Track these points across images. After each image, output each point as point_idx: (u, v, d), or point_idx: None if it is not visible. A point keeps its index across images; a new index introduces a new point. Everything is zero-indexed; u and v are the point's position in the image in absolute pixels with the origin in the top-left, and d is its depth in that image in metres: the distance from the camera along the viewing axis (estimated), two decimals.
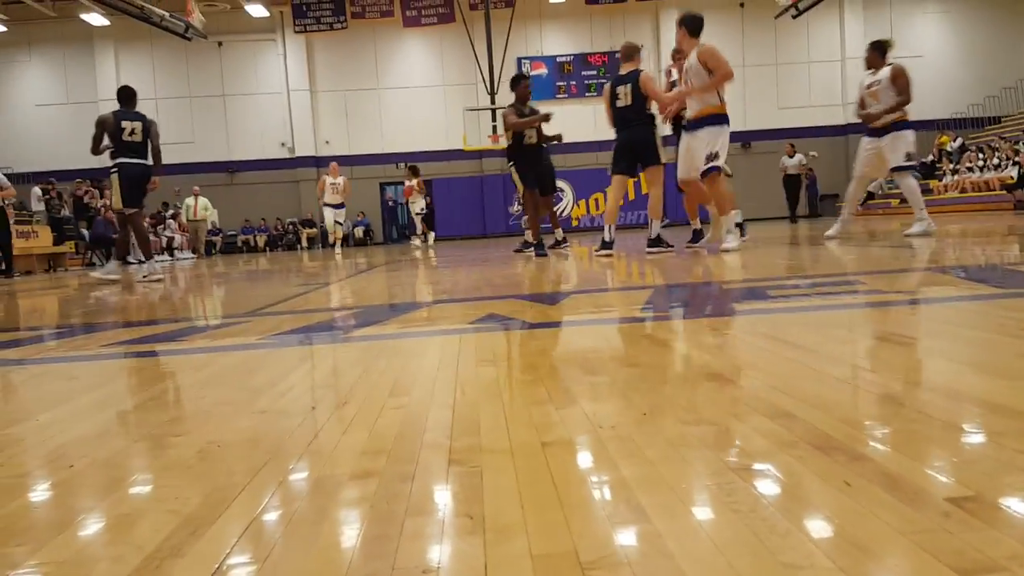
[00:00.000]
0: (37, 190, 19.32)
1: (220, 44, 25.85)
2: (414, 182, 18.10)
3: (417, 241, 19.36)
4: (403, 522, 0.97)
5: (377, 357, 2.36)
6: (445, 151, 25.58)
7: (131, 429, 1.67)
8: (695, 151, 7.01)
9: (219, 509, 1.06)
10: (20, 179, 21.66)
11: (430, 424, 1.45)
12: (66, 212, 19.89)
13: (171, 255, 21.19)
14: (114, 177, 8.60)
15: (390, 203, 27.53)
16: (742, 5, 26.46)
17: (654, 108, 7.45)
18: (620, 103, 7.51)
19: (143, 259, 9.16)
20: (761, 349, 2.12)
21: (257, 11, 24.89)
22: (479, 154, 24.72)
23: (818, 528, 0.90)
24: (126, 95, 8.86)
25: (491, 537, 0.91)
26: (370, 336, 2.92)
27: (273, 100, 26.31)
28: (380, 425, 1.47)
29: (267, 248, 25.36)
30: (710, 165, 6.81)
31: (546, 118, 9.03)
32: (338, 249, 17.37)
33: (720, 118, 6.85)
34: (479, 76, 24.94)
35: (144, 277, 8.45)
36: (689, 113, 7.08)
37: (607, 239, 7.73)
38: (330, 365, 2.41)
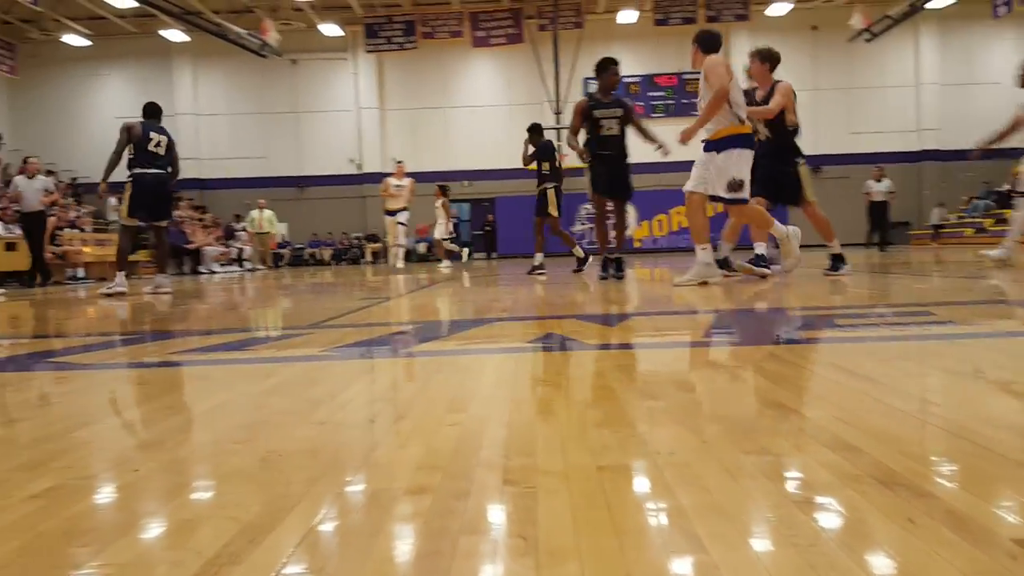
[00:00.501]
0: (113, 200, 19.97)
1: (294, 62, 26.50)
2: (440, 202, 16.53)
3: (444, 263, 16.54)
4: (456, 540, 0.97)
5: (435, 373, 2.37)
6: (508, 170, 25.68)
7: (196, 435, 1.71)
8: (710, 171, 6.41)
9: (277, 518, 1.08)
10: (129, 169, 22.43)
11: (486, 442, 1.46)
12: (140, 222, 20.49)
13: (240, 266, 21.69)
14: (128, 186, 8.61)
15: (454, 220, 27.76)
16: (815, 28, 26.10)
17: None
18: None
19: (114, 275, 9.00)
20: (826, 379, 2.08)
21: (331, 31, 25.47)
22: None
23: (880, 565, 0.87)
24: (153, 110, 9.04)
25: (544, 560, 0.90)
26: (429, 352, 2.94)
27: (343, 117, 26.84)
28: (436, 441, 1.48)
29: (333, 261, 25.79)
30: (735, 196, 6.25)
31: (581, 156, 8.22)
32: (400, 263, 16.05)
33: (737, 140, 6.21)
34: (545, 96, 25.08)
35: (154, 288, 8.58)
36: (704, 134, 6.51)
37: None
38: (389, 379, 2.43)
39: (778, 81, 7.20)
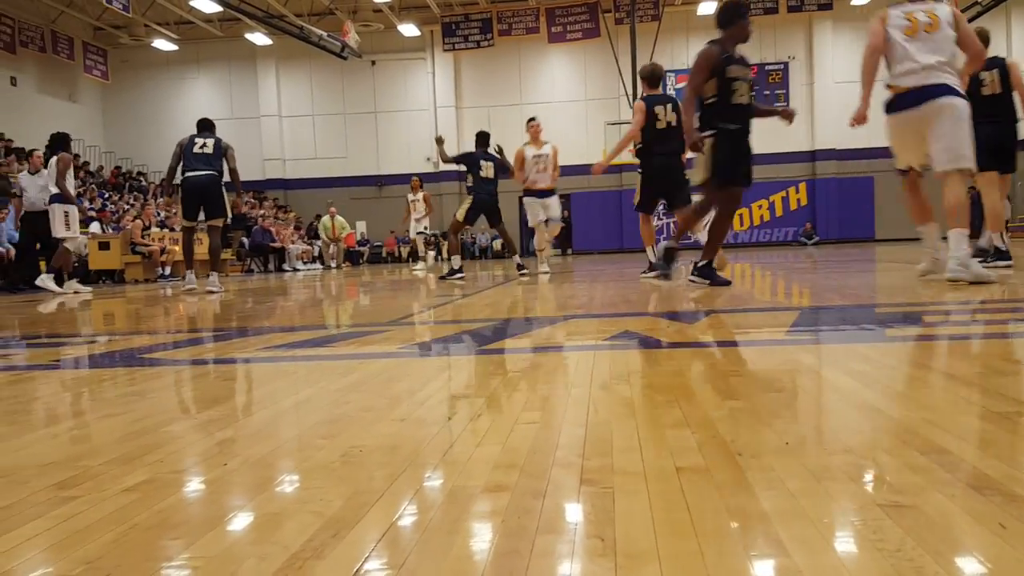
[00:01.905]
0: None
1: (373, 63, 26.94)
2: (420, 195, 15.77)
3: (420, 265, 16.23)
4: (534, 539, 0.97)
5: (512, 370, 2.38)
6: (584, 165, 25.59)
7: (281, 430, 1.76)
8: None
9: (359, 513, 1.10)
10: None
11: (562, 441, 1.45)
12: (227, 221, 21.13)
13: (322, 263, 22.18)
14: (177, 190, 9.23)
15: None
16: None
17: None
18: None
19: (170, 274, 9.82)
20: (914, 378, 2.01)
21: (409, 31, 25.79)
22: (618, 168, 24.61)
23: (969, 572, 0.84)
24: (204, 125, 9.46)
25: (622, 562, 0.90)
26: (505, 349, 2.96)
27: (420, 116, 27.16)
28: (513, 439, 1.48)
29: (410, 259, 26.13)
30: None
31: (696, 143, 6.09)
32: (420, 265, 15.98)
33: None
34: (622, 90, 24.90)
35: (206, 288, 9.01)
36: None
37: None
38: (466, 376, 2.45)
39: (641, 98, 7.87)
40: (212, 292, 8.77)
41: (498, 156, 10.23)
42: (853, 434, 1.46)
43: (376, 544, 0.98)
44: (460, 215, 10.06)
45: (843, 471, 1.20)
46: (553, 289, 6.99)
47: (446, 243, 13.75)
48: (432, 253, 17.08)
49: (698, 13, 25.01)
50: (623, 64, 24.59)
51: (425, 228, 16.25)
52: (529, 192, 9.97)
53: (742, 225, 25.54)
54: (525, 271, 10.09)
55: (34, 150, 12.40)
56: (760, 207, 25.68)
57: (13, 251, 12.41)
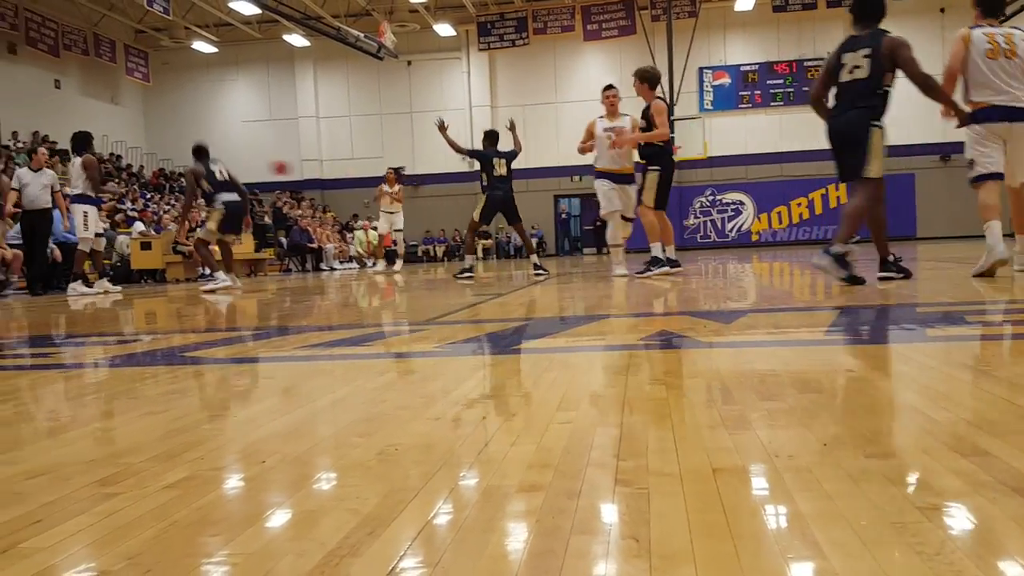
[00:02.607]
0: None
1: (409, 63, 27.08)
2: (395, 189, 15.22)
3: (380, 265, 16.08)
4: (569, 539, 0.97)
5: (546, 370, 2.38)
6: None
7: (318, 428, 1.78)
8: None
9: (395, 511, 1.11)
10: (208, 199, 23.70)
11: (597, 441, 1.45)
12: (267, 220, 21.42)
13: (361, 264, 22.36)
14: (221, 209, 9.83)
15: (563, 215, 27.81)
16: (942, 11, 24.77)
17: None
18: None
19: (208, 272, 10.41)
20: (955, 379, 1.97)
21: (445, 31, 25.89)
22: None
23: None
24: (206, 151, 10.11)
25: (657, 563, 0.89)
26: (540, 348, 2.95)
27: (455, 116, 27.22)
28: (547, 439, 1.48)
29: (445, 258, 26.23)
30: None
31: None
32: (379, 266, 16.03)
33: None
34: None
35: (209, 290, 9.50)
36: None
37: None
38: (500, 376, 2.46)
39: (658, 98, 7.98)
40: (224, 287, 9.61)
41: (510, 151, 10.20)
42: (892, 436, 1.44)
43: (411, 542, 0.99)
44: (476, 215, 10.11)
45: (882, 473, 1.19)
46: (589, 288, 6.97)
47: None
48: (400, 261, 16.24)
49: (736, 9, 24.77)
50: (660, 61, 24.44)
51: (395, 227, 15.56)
52: (603, 175, 8.30)
53: (781, 223, 25.26)
54: (542, 272, 9.99)
55: (38, 146, 12.32)
56: (799, 205, 25.36)
57: (58, 252, 12.60)
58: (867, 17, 5.50)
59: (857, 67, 5.33)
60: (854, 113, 5.36)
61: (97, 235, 10.62)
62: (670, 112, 23.81)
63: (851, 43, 5.46)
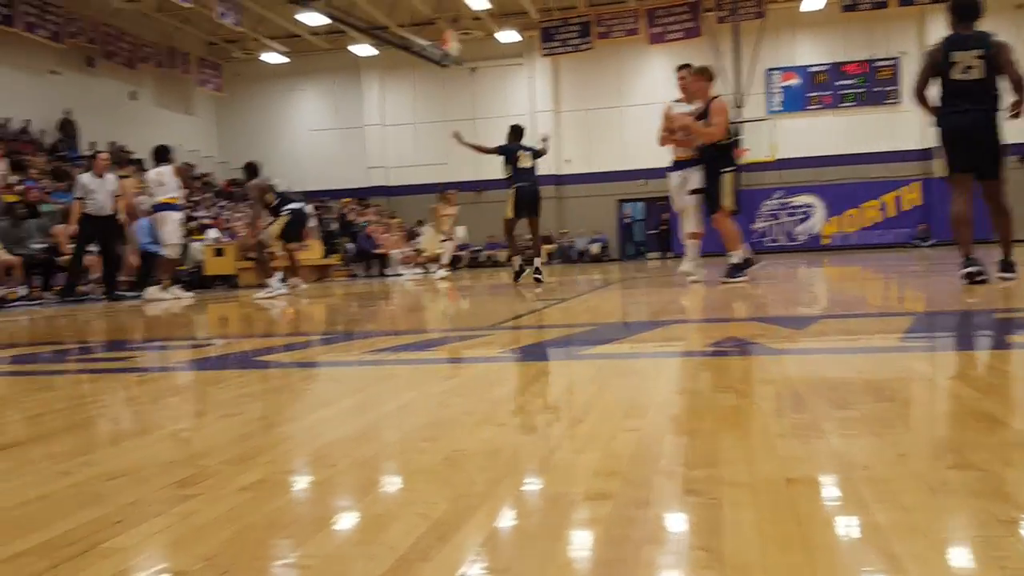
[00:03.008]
0: (310, 207, 21.36)
1: (473, 70, 27.25)
2: (451, 211, 15.89)
3: (443, 272, 15.99)
4: (638, 549, 0.96)
5: (612, 376, 2.36)
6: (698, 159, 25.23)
7: (385, 433, 1.80)
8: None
9: (462, 516, 1.11)
10: (274, 210, 24.29)
11: (665, 450, 1.43)
12: (334, 227, 21.78)
13: (424, 269, 22.59)
14: (287, 215, 10.19)
15: (626, 220, 27.63)
16: (1020, 7, 23.89)
17: None
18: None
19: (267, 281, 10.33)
20: None
21: (508, 37, 25.99)
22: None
23: None
24: (255, 165, 10.72)
25: (728, 573, 0.88)
26: (605, 354, 2.94)
27: (519, 121, 27.31)
28: (614, 446, 1.47)
29: (508, 263, 26.29)
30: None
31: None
32: (442, 272, 16.25)
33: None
34: (725, 89, 24.44)
35: (265, 297, 9.61)
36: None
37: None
38: (565, 382, 2.45)
39: (715, 97, 7.47)
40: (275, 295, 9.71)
41: (537, 148, 10.23)
42: (972, 446, 1.39)
43: (479, 548, 0.99)
44: (508, 211, 9.93)
45: (962, 484, 1.15)
46: (654, 294, 6.91)
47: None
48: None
49: (802, 9, 24.30)
50: (726, 63, 24.13)
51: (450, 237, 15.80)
52: (677, 165, 7.80)
53: (852, 227, 24.66)
54: (539, 279, 9.52)
55: (99, 152, 11.96)
56: (871, 207, 24.73)
57: (137, 258, 13.00)
58: (969, 17, 5.52)
59: (971, 67, 5.32)
60: (981, 114, 5.35)
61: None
62: (737, 114, 23.67)
63: (960, 41, 5.42)
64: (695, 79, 7.63)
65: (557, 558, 0.96)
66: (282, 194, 10.01)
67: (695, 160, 7.54)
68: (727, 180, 7.28)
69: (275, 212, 10.21)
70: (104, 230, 10.88)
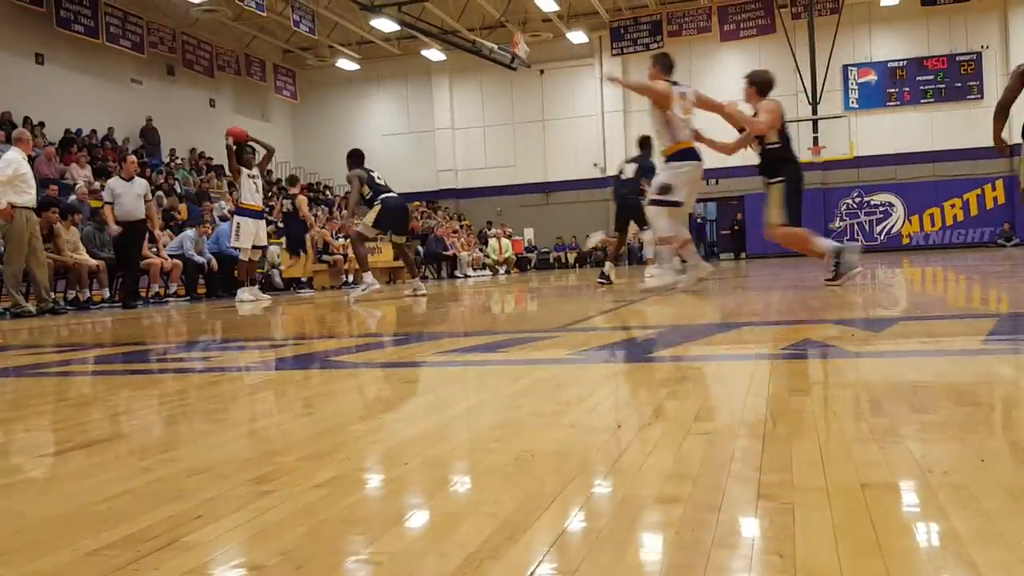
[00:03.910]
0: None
1: (542, 72, 27.28)
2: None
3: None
4: (709, 553, 0.95)
5: (682, 379, 2.34)
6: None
7: (456, 432, 1.81)
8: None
9: (532, 517, 1.12)
10: (368, 203, 24.68)
11: (738, 454, 1.41)
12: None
13: (493, 272, 22.71)
14: (379, 207, 9.63)
15: (699, 220, 27.27)
16: None
17: None
18: None
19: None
20: None
21: (578, 38, 25.94)
22: None
23: None
24: (359, 153, 10.24)
25: None
26: (676, 357, 2.91)
27: (588, 123, 27.22)
28: (685, 450, 1.46)
29: (576, 265, 26.21)
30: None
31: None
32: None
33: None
34: (799, 86, 23.93)
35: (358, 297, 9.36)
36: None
37: None
38: (635, 383, 2.43)
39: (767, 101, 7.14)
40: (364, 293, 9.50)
41: (640, 157, 9.99)
42: None
43: (548, 549, 1.00)
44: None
45: None
46: (726, 295, 6.81)
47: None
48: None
49: (882, 4, 23.62)
50: (801, 59, 23.63)
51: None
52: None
53: (933, 226, 23.88)
54: (603, 281, 9.36)
55: (128, 154, 11.86)
56: (953, 207, 23.90)
57: (216, 262, 13.37)
58: None
59: None
60: None
61: (255, 247, 10.86)
62: (813, 111, 23.08)
63: None
64: (747, 88, 7.39)
65: (627, 560, 0.96)
66: (377, 186, 9.79)
67: (674, 156, 7.26)
68: (775, 192, 6.92)
69: (369, 204, 9.94)
70: (130, 235, 10.79)
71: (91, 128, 18.86)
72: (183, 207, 16.25)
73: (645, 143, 10.12)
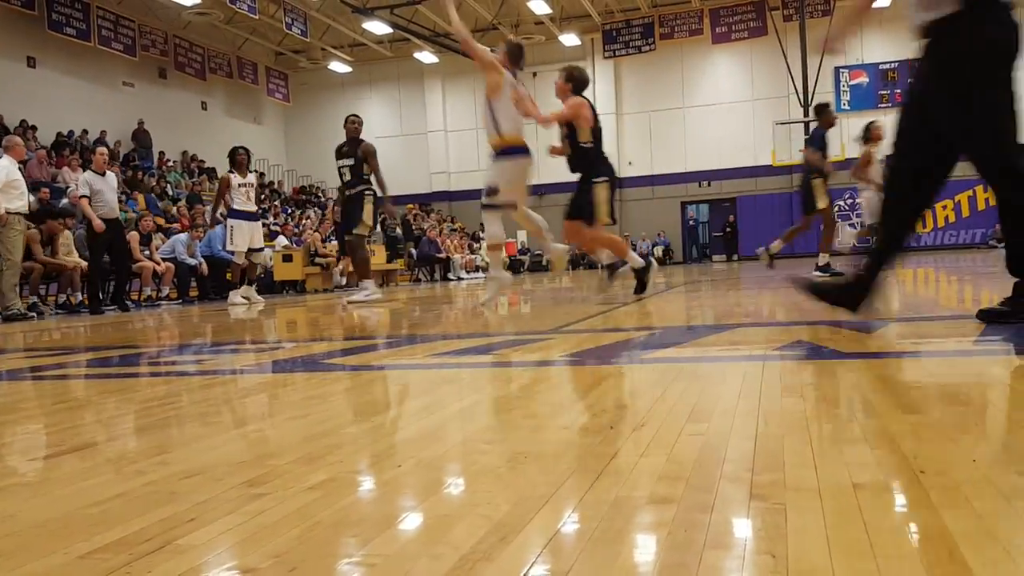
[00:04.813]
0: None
1: (535, 74, 27.28)
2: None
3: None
4: (701, 553, 0.96)
5: (675, 380, 2.34)
6: (750, 167, 24.88)
7: (449, 434, 1.81)
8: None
9: (525, 518, 1.12)
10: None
11: (730, 455, 1.42)
12: (398, 232, 22.04)
13: (484, 273, 22.72)
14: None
15: (691, 222, 27.34)
16: None
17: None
18: None
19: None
20: None
21: (570, 40, 25.98)
22: (789, 169, 23.73)
23: None
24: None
25: None
26: (668, 358, 2.91)
27: None
28: (678, 451, 1.46)
29: (570, 267, 26.22)
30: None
31: None
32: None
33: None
34: (791, 88, 24.02)
35: (357, 301, 8.67)
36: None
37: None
38: (628, 386, 2.44)
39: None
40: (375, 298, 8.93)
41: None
42: None
43: (542, 550, 1.00)
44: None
45: None
46: (718, 296, 6.82)
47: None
48: None
49: (872, 6, 23.70)
50: (792, 62, 23.72)
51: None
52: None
53: (925, 227, 23.95)
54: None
55: (97, 147, 10.98)
56: (944, 208, 24.02)
57: (207, 266, 13.34)
58: None
59: None
60: None
61: (251, 250, 10.65)
62: (805, 113, 23.14)
63: None
64: (561, 83, 7.23)
65: (619, 561, 0.96)
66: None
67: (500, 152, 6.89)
68: (600, 191, 6.81)
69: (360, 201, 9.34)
70: (113, 233, 10.29)
71: (83, 131, 18.82)
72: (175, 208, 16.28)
73: (820, 110, 9.88)
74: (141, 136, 20.91)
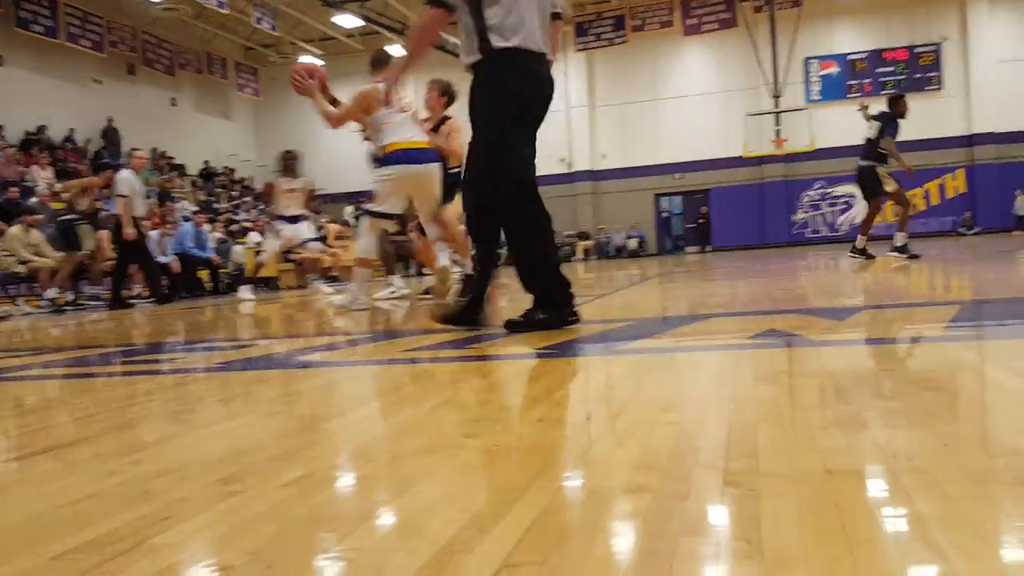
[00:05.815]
0: (350, 208, 21.61)
1: None
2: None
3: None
4: (677, 541, 0.96)
5: (650, 371, 2.36)
6: (723, 159, 25.02)
7: (425, 428, 1.81)
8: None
9: (502, 510, 1.12)
10: (335, 199, 24.65)
11: (704, 443, 1.43)
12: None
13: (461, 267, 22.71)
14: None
15: (664, 214, 27.46)
16: None
17: None
18: None
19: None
20: None
21: None
22: (759, 160, 23.90)
23: None
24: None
25: (770, 566, 0.87)
26: (643, 349, 2.92)
27: (553, 117, 26.85)
28: (653, 441, 1.47)
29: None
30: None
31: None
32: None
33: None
34: (762, 80, 24.17)
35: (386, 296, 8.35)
36: None
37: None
38: (603, 377, 2.45)
39: (448, 117, 6.95)
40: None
41: None
42: (1019, 435, 1.36)
43: (519, 541, 1.00)
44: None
45: (1009, 474, 1.13)
46: (692, 287, 6.86)
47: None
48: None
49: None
50: (763, 52, 23.86)
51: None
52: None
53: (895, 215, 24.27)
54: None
55: (135, 150, 10.82)
56: (914, 196, 24.29)
57: (178, 263, 13.20)
58: None
59: None
60: None
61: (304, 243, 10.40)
62: (775, 104, 23.30)
63: None
64: (435, 97, 7.10)
65: (596, 550, 0.96)
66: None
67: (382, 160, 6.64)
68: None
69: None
70: (140, 234, 10.35)
71: (52, 129, 18.55)
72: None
73: (895, 100, 9.91)
74: (110, 133, 20.65)
